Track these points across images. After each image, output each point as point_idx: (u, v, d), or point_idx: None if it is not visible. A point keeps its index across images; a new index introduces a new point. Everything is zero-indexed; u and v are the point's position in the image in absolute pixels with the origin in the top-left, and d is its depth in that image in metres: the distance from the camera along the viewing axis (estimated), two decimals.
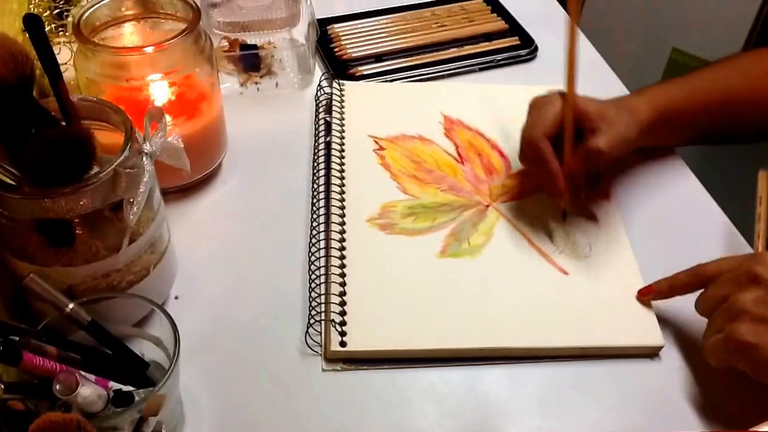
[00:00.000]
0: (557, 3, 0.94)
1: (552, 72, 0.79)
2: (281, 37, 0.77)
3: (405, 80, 0.77)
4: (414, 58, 0.80)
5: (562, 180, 0.58)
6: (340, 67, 0.79)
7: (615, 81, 0.80)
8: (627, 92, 0.78)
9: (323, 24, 0.85)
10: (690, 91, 0.65)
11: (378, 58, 0.80)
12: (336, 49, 0.81)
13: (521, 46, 0.82)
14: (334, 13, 0.87)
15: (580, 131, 0.59)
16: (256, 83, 0.77)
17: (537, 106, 0.62)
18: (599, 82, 0.78)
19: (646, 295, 0.55)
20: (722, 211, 0.65)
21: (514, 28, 0.85)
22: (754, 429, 0.47)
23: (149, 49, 0.55)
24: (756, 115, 0.66)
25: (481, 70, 0.80)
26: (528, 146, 0.60)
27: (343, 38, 0.83)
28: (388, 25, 0.85)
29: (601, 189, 0.62)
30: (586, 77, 0.79)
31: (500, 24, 0.86)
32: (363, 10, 0.88)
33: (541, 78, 0.78)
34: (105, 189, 0.44)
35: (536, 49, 0.82)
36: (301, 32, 0.77)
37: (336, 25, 0.85)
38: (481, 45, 0.82)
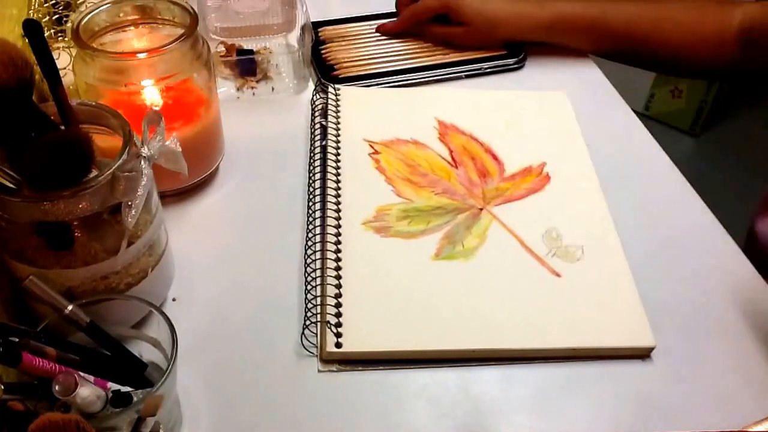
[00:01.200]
0: None
1: (540, 81, 0.81)
2: (277, 42, 0.78)
3: (390, 85, 0.78)
4: (400, 63, 0.81)
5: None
6: (328, 70, 0.79)
7: (609, 88, 0.81)
8: (612, 88, 0.80)
9: (316, 27, 0.86)
10: (601, 12, 0.75)
11: (364, 61, 0.81)
12: (323, 52, 0.82)
13: (509, 56, 0.83)
14: (329, 16, 0.88)
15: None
16: (252, 88, 0.77)
17: None
18: (593, 88, 0.79)
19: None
20: (710, 211, 0.65)
21: None
22: (750, 428, 0.47)
23: (147, 55, 0.55)
24: (656, 51, 0.74)
25: (467, 77, 0.81)
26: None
27: (332, 42, 0.83)
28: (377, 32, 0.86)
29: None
30: (578, 83, 0.80)
31: None
32: (359, 14, 0.88)
33: (527, 87, 0.79)
34: (104, 192, 0.45)
35: (524, 58, 0.83)
36: (296, 37, 0.78)
37: (328, 28, 0.86)
38: (467, 52, 0.83)
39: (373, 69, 0.80)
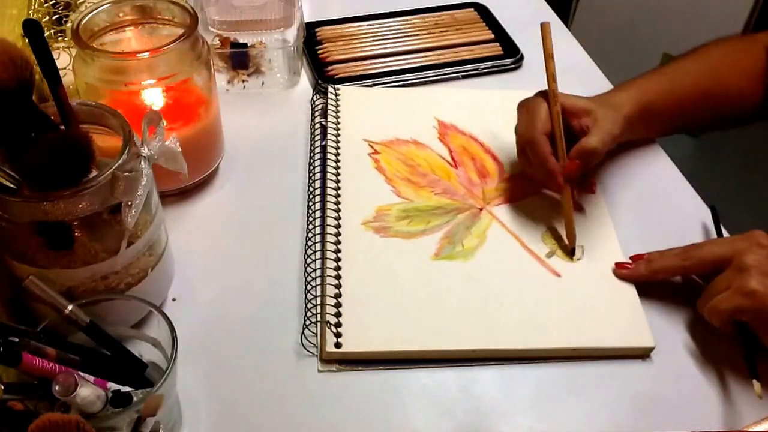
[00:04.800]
0: (550, 9, 0.95)
1: (537, 80, 0.80)
2: (273, 37, 0.78)
3: (389, 85, 0.78)
4: (396, 63, 0.81)
5: (561, 177, 0.60)
6: (324, 70, 0.79)
7: (607, 86, 0.81)
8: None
9: (314, 27, 0.86)
10: (668, 85, 0.68)
11: (363, 61, 0.81)
12: (320, 51, 0.82)
13: (506, 56, 0.83)
14: (328, 16, 0.88)
15: (568, 130, 0.61)
16: (243, 81, 0.77)
17: (526, 106, 0.63)
18: (591, 87, 0.79)
19: (621, 269, 0.58)
20: (708, 211, 0.65)
21: (501, 38, 0.86)
22: (750, 428, 0.47)
23: (147, 54, 0.55)
24: (726, 105, 0.70)
25: (464, 77, 0.81)
26: (529, 145, 0.61)
27: (329, 41, 0.84)
28: (375, 30, 0.86)
29: (588, 183, 0.64)
30: (578, 82, 0.80)
31: (487, 34, 0.86)
32: (361, 14, 0.88)
33: (524, 87, 0.79)
34: (103, 192, 0.45)
35: (521, 59, 0.83)
36: (293, 34, 0.78)
37: (326, 28, 0.86)
38: (462, 52, 0.83)
39: (371, 70, 0.80)
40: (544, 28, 0.63)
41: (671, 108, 0.67)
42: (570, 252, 0.60)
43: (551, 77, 0.63)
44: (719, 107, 0.70)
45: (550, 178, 0.60)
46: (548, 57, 0.63)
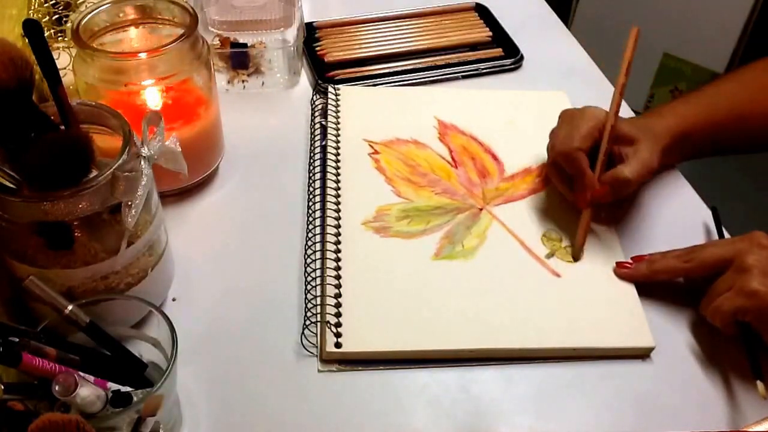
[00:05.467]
0: (550, 9, 0.95)
1: (536, 80, 0.81)
2: (273, 37, 0.78)
3: (389, 85, 0.78)
4: (396, 64, 0.81)
5: (588, 198, 0.59)
6: (324, 70, 0.79)
7: (607, 86, 0.81)
8: (612, 88, 0.79)
9: (314, 27, 0.86)
10: (706, 112, 0.66)
11: (359, 62, 0.81)
12: (318, 50, 0.82)
13: (506, 56, 0.83)
14: (328, 16, 0.88)
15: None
16: (243, 81, 0.77)
17: (569, 118, 0.63)
18: (592, 87, 0.80)
19: (622, 269, 0.57)
20: (711, 213, 0.65)
21: (501, 38, 0.85)
22: (750, 428, 0.47)
23: (147, 55, 0.55)
24: (763, 129, 0.67)
25: (464, 77, 0.81)
26: (564, 158, 0.61)
27: (329, 41, 0.84)
28: (375, 30, 0.86)
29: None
30: (578, 82, 0.81)
31: (487, 34, 0.86)
32: (362, 15, 0.88)
33: (524, 87, 0.79)
34: (103, 192, 0.45)
35: (521, 59, 0.83)
36: (293, 34, 0.78)
37: (326, 28, 0.86)
38: (462, 52, 0.83)
39: (372, 71, 0.80)
40: (633, 34, 0.62)
41: (707, 136, 0.66)
42: (573, 258, 0.60)
43: (621, 88, 0.62)
44: (756, 131, 0.68)
45: (582, 191, 0.60)
46: (625, 67, 0.62)
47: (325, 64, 0.80)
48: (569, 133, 0.61)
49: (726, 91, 0.69)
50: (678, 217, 0.65)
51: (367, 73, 0.79)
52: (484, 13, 0.90)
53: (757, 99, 0.67)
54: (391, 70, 0.80)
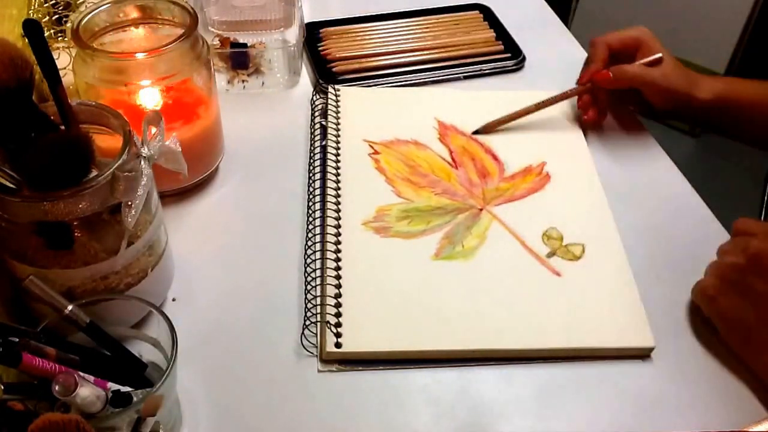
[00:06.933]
0: (550, 9, 0.95)
1: (536, 80, 0.81)
2: (273, 37, 0.78)
3: (390, 85, 0.78)
4: (399, 63, 0.81)
5: (587, 77, 0.68)
6: (326, 70, 0.79)
7: None
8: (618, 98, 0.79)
9: (316, 27, 0.86)
10: (757, 90, 0.68)
11: (363, 62, 0.81)
12: (321, 50, 0.82)
13: (509, 57, 0.83)
14: (328, 16, 0.88)
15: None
16: (243, 81, 0.77)
17: (625, 28, 0.71)
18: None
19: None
20: (711, 211, 0.65)
21: (504, 39, 0.85)
22: (750, 428, 0.47)
23: (147, 55, 0.55)
24: None
25: (466, 78, 0.81)
26: (590, 45, 0.70)
27: (331, 41, 0.84)
28: (377, 30, 0.86)
29: (601, 109, 0.71)
30: (572, 74, 0.80)
31: (489, 35, 0.86)
32: (362, 15, 0.88)
33: (526, 88, 0.79)
34: (103, 192, 0.45)
35: (523, 60, 0.83)
36: (294, 34, 0.78)
37: (329, 29, 0.86)
38: (465, 53, 0.82)
39: (373, 71, 0.80)
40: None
41: (750, 111, 0.67)
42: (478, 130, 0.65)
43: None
44: None
45: (583, 73, 0.68)
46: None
47: (326, 61, 0.80)
48: (611, 32, 0.69)
49: None
50: (678, 217, 0.65)
51: (371, 69, 0.79)
52: (487, 13, 0.90)
53: None
54: (395, 69, 0.80)
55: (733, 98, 0.67)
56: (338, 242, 0.59)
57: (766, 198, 0.60)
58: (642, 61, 0.68)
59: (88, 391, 0.39)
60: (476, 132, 0.65)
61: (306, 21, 0.86)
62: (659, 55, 0.68)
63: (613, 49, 0.67)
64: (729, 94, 0.67)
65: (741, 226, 0.55)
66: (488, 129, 0.66)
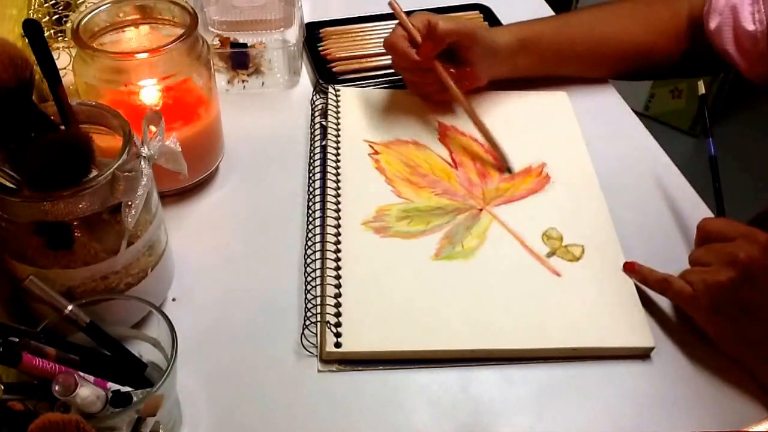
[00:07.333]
0: (550, 10, 0.95)
1: (538, 81, 0.81)
2: (273, 37, 0.78)
3: (390, 86, 0.78)
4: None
5: (419, 56, 0.67)
6: (326, 70, 0.79)
7: (607, 86, 0.81)
8: (617, 94, 0.79)
9: (316, 27, 0.86)
10: (557, 26, 0.74)
11: (361, 61, 0.81)
12: (321, 50, 0.82)
13: None
14: (328, 16, 0.88)
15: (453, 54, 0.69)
16: (243, 81, 0.77)
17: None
18: (592, 87, 0.79)
19: (629, 270, 0.58)
20: (710, 211, 0.65)
21: None
22: (750, 428, 0.47)
23: (147, 55, 0.55)
24: (629, 56, 0.74)
25: None
26: (389, 49, 0.70)
27: (331, 41, 0.83)
28: (378, 30, 0.85)
29: (470, 74, 0.71)
30: (578, 83, 0.80)
31: None
32: (362, 15, 0.88)
33: (526, 88, 0.79)
34: (104, 192, 0.45)
35: None
36: (294, 34, 0.78)
37: (329, 29, 0.86)
38: None
39: (373, 71, 0.79)
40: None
41: (560, 46, 0.72)
42: (507, 169, 0.65)
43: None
44: (621, 56, 0.74)
45: (411, 61, 0.67)
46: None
47: (327, 63, 0.80)
48: (395, 28, 0.70)
49: (583, 17, 0.76)
50: (678, 217, 0.65)
51: (371, 69, 0.79)
52: (488, 14, 0.90)
53: (619, 25, 0.74)
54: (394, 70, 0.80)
55: (528, 38, 0.71)
56: (338, 242, 0.59)
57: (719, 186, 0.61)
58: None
59: (88, 391, 0.39)
60: (509, 170, 0.66)
61: (306, 21, 0.86)
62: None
63: (408, 38, 0.68)
64: (525, 34, 0.71)
65: (711, 227, 0.55)
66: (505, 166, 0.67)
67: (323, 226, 0.60)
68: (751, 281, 0.49)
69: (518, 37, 0.71)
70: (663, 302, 0.57)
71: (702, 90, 0.63)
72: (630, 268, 0.57)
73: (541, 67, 0.75)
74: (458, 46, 0.68)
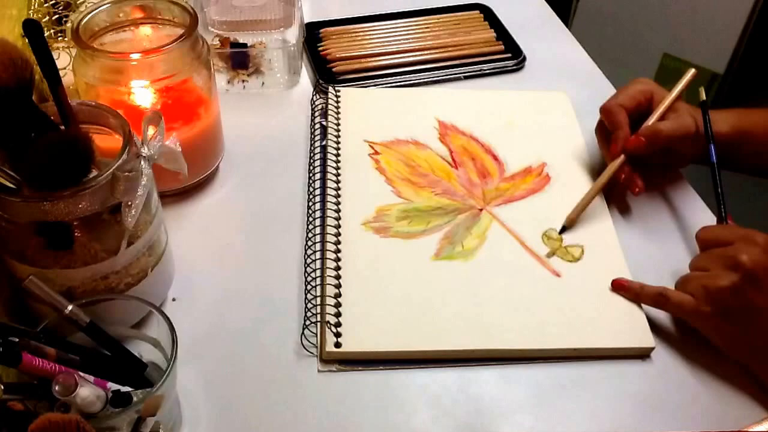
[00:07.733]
0: (550, 9, 0.95)
1: (536, 80, 0.81)
2: (273, 37, 0.78)
3: (390, 85, 0.78)
4: (399, 64, 0.81)
5: (620, 146, 0.62)
6: (326, 70, 0.79)
7: (607, 86, 0.81)
8: (612, 89, 0.79)
9: (316, 27, 0.86)
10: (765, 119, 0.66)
11: (361, 61, 0.81)
12: (321, 50, 0.82)
13: (509, 57, 0.83)
14: (328, 16, 0.88)
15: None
16: (243, 81, 0.77)
17: (626, 85, 0.66)
18: (592, 87, 0.80)
19: (618, 287, 0.56)
20: (710, 211, 0.65)
21: (504, 39, 0.85)
22: (750, 428, 0.47)
23: (147, 55, 0.55)
24: None
25: (466, 78, 0.81)
26: (605, 112, 0.64)
27: (331, 41, 0.84)
28: (377, 30, 0.86)
29: (635, 182, 0.64)
30: (578, 83, 0.81)
31: (490, 35, 0.86)
32: (362, 15, 0.88)
33: (526, 88, 0.79)
34: (104, 192, 0.45)
35: (524, 60, 0.83)
36: (293, 34, 0.78)
37: (329, 29, 0.86)
38: (465, 53, 0.82)
39: (373, 71, 0.79)
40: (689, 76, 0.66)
41: (759, 144, 0.65)
42: (561, 228, 0.62)
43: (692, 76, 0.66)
44: None
45: (613, 144, 0.63)
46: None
47: (327, 63, 0.80)
48: (617, 93, 0.65)
49: None
50: (678, 217, 0.65)
51: (371, 69, 0.79)
52: (487, 13, 0.90)
53: None
54: (395, 69, 0.80)
55: (748, 128, 0.65)
56: (338, 242, 0.59)
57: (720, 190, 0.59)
58: (655, 115, 0.63)
59: (88, 391, 0.39)
60: (563, 230, 0.61)
61: (306, 21, 0.86)
62: (669, 102, 0.64)
63: (629, 111, 0.62)
64: (743, 124, 0.65)
65: (709, 235, 0.55)
66: (572, 222, 0.61)
67: (323, 226, 0.60)
68: (755, 283, 0.49)
69: (736, 128, 0.65)
70: None
71: (703, 96, 0.63)
72: (619, 287, 0.56)
73: (755, 158, 0.68)
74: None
